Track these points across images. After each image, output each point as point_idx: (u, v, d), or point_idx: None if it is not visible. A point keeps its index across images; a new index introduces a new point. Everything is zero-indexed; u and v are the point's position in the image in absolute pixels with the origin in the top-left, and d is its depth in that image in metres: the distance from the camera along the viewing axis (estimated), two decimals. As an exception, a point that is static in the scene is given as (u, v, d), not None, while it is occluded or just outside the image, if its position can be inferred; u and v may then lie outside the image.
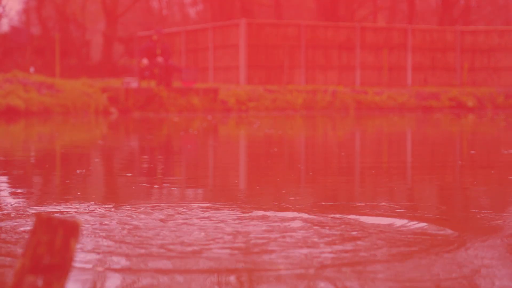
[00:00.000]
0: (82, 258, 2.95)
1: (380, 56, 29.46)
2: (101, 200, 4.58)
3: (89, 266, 2.84)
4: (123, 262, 2.92)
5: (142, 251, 3.11)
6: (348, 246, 3.21)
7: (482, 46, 30.47)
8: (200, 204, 4.36)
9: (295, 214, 4.02)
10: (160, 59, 20.71)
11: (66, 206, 4.31)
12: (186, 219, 3.87)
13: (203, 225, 3.69)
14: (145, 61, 20.63)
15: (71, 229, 1.85)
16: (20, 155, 8.49)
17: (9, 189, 5.23)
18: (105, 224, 3.71)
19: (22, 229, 3.58)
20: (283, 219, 3.86)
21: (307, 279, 2.67)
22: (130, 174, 6.36)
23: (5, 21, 44.37)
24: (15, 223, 3.73)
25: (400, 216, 3.95)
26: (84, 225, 3.66)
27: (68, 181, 5.80)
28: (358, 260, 2.94)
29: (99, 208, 4.23)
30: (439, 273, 2.76)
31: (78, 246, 3.15)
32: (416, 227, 3.63)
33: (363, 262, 2.92)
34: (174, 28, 33.73)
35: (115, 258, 2.98)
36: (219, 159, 8.16)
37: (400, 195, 4.89)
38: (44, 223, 1.83)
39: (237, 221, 3.80)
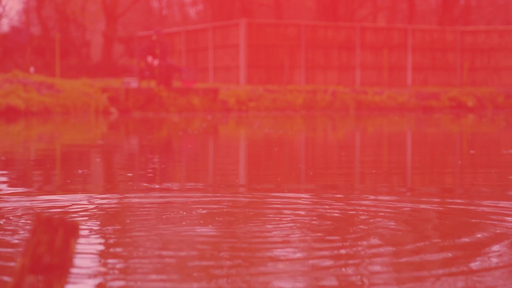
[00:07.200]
0: (82, 258, 2.95)
1: (380, 56, 29.47)
2: (101, 200, 4.58)
3: (90, 266, 2.84)
4: (124, 262, 2.92)
5: (143, 250, 3.11)
6: (349, 240, 3.21)
7: (482, 46, 30.48)
8: (200, 203, 4.37)
9: (295, 214, 4.03)
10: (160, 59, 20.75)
11: (67, 205, 4.31)
12: (187, 218, 3.87)
13: (204, 224, 3.69)
14: (150, 59, 20.67)
15: (71, 229, 1.85)
16: (20, 155, 8.49)
17: (9, 188, 5.23)
18: (106, 224, 3.71)
19: (22, 229, 3.58)
20: (283, 219, 3.86)
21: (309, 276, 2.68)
22: (130, 174, 6.37)
23: (5, 21, 44.43)
24: (15, 223, 3.73)
25: (404, 210, 3.98)
26: (84, 225, 3.66)
27: (68, 181, 5.80)
28: (361, 255, 2.95)
29: (99, 207, 4.24)
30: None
31: (78, 246, 3.15)
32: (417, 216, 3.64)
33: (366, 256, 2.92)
34: (174, 28, 33.74)
35: (115, 258, 2.98)
36: (219, 159, 8.16)
37: (400, 194, 4.90)
38: (44, 223, 1.83)
39: (235, 220, 3.80)
